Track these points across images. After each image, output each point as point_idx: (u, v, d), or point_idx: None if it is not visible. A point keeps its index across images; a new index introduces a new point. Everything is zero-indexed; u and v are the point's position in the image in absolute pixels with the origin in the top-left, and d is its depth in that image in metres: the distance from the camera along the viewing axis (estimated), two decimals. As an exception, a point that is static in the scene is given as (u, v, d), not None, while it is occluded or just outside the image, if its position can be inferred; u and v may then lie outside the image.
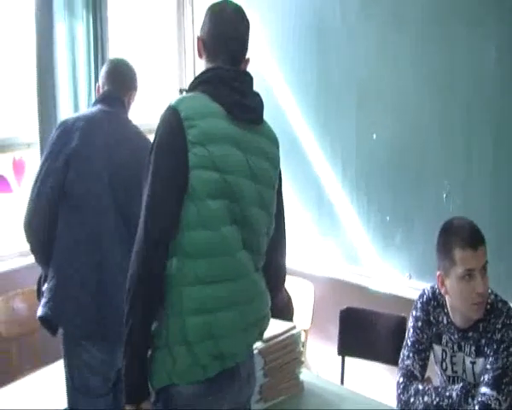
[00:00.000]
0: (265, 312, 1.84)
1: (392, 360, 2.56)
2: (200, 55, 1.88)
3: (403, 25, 3.08)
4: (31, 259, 3.26)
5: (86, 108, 3.38)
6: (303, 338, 2.90)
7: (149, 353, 1.72)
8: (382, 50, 3.19)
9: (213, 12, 1.87)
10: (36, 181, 2.29)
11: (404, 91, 3.12)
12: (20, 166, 3.51)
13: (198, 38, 1.87)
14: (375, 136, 3.26)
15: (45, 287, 2.30)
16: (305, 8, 3.53)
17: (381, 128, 3.24)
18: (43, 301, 2.28)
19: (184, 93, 1.81)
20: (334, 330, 2.99)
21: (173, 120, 1.68)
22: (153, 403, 1.72)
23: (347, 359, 2.95)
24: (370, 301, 3.12)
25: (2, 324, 3.17)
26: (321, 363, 2.68)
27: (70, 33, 3.38)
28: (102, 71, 2.54)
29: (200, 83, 1.78)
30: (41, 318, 2.28)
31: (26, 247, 3.28)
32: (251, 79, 1.86)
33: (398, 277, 3.22)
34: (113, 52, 3.52)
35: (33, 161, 3.42)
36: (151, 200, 1.67)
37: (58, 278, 2.26)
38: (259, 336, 1.89)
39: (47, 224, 2.27)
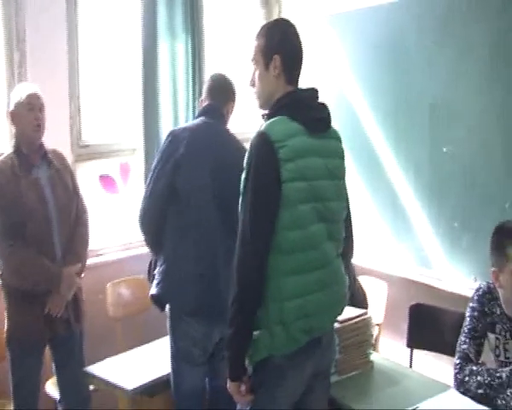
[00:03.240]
0: (345, 292, 2.20)
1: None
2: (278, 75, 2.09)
3: (472, 55, 3.34)
4: (134, 251, 3.75)
5: (184, 118, 3.79)
6: (376, 332, 3.18)
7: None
8: (454, 75, 3.45)
9: (289, 31, 2.14)
10: (149, 182, 2.69)
11: (473, 115, 3.37)
12: (125, 169, 3.86)
13: (277, 56, 2.08)
14: (445, 149, 3.52)
15: (156, 270, 2.69)
16: (383, 28, 3.82)
17: (451, 143, 3.49)
18: (155, 282, 2.68)
19: (265, 117, 2.10)
20: (405, 326, 3.21)
21: (265, 143, 1.97)
22: (251, 375, 2.06)
23: (415, 351, 3.15)
24: (438, 299, 3.35)
25: (110, 306, 3.56)
26: (391, 354, 2.96)
27: (171, 52, 3.75)
28: (205, 86, 2.90)
29: (280, 107, 2.07)
30: (153, 296, 2.68)
31: (130, 240, 3.77)
32: (318, 93, 2.16)
33: (463, 279, 3.45)
34: (210, 69, 3.85)
35: (137, 165, 3.81)
36: (252, 214, 1.97)
37: (167, 264, 2.64)
38: (341, 312, 2.25)
39: (158, 218, 2.66)
